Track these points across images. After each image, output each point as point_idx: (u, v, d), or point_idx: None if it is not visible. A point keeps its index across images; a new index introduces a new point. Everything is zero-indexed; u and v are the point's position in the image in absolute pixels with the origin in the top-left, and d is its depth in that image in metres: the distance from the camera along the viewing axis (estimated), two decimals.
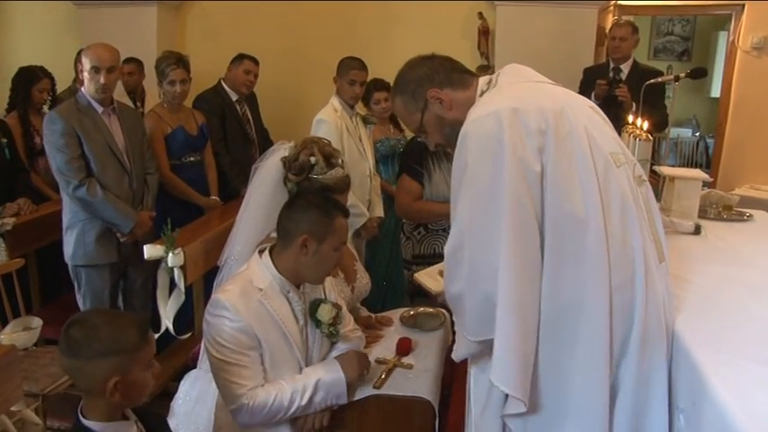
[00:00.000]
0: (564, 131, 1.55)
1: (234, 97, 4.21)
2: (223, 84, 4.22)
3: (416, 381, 2.10)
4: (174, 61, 3.62)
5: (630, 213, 1.57)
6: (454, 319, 1.73)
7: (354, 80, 3.61)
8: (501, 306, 1.51)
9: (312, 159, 2.21)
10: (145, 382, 1.51)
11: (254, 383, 1.91)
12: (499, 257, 1.50)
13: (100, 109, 3.12)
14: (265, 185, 2.26)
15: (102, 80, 3.03)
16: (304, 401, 1.95)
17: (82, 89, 3.14)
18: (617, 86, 4.05)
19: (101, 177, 3.08)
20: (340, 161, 2.30)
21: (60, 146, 2.99)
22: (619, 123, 2.98)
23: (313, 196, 2.05)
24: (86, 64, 3.05)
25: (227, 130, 4.12)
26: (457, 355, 1.74)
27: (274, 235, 2.10)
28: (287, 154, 2.25)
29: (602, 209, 1.53)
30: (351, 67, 3.62)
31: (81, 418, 1.49)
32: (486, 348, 1.61)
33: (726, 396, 1.31)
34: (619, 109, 3.95)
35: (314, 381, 1.97)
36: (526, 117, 1.54)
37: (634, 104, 3.95)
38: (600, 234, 1.52)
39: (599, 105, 3.99)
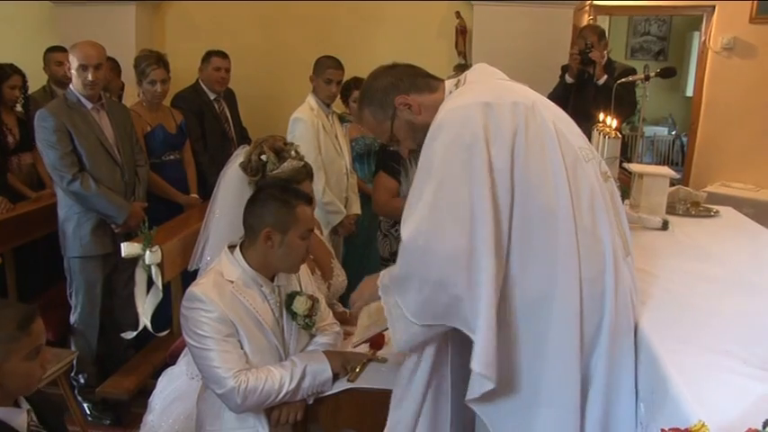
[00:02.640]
0: (535, 126, 1.58)
1: (212, 96, 4.21)
2: (201, 83, 4.22)
3: (390, 374, 2.12)
4: (155, 61, 3.65)
5: (599, 207, 1.61)
6: (391, 300, 1.68)
7: (331, 79, 3.64)
8: (482, 297, 1.52)
9: (263, 158, 2.26)
10: (27, 372, 1.53)
11: (238, 367, 1.94)
12: (457, 246, 1.52)
13: (89, 105, 3.19)
14: (230, 194, 2.33)
15: (90, 77, 3.12)
16: (293, 386, 1.99)
17: (71, 86, 3.21)
18: (588, 51, 4.10)
19: (93, 171, 3.16)
20: (293, 153, 2.33)
21: (53, 142, 3.07)
22: (588, 111, 3.03)
23: (272, 189, 2.08)
24: (74, 62, 3.12)
25: (206, 129, 4.13)
26: (398, 344, 1.70)
27: None
28: (243, 159, 2.29)
29: (571, 202, 1.56)
30: (327, 66, 3.65)
31: None
32: (428, 335, 1.63)
33: (680, 384, 1.36)
34: (594, 94, 4.00)
35: (302, 367, 2.02)
36: (499, 111, 1.56)
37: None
38: (570, 227, 1.55)
39: (574, 85, 4.10)
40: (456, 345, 1.74)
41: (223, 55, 4.21)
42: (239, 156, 2.36)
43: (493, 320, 1.53)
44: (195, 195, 3.88)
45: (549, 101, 1.73)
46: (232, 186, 2.34)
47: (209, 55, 4.20)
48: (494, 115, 1.56)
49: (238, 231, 2.17)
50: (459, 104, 1.60)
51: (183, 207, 3.82)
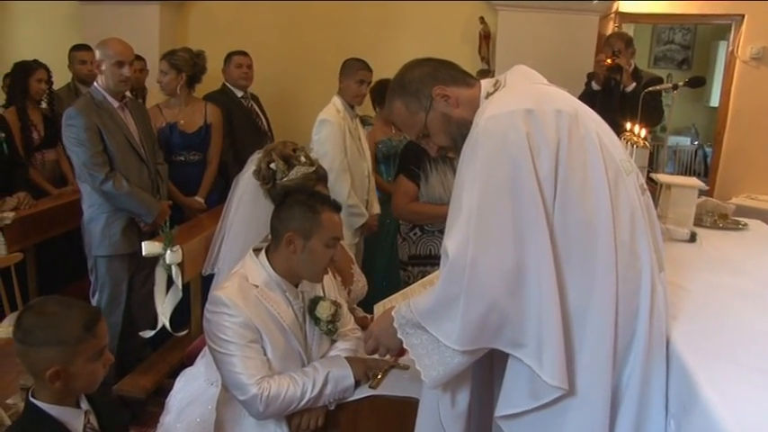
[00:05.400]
0: (579, 136, 1.53)
1: (239, 94, 4.25)
2: (226, 84, 4.28)
3: (412, 382, 2.10)
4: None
5: (639, 223, 1.56)
6: (417, 339, 1.58)
7: (363, 80, 3.65)
8: (546, 309, 1.47)
9: (272, 166, 2.25)
10: (91, 372, 1.55)
11: (261, 374, 1.92)
12: (506, 261, 1.46)
13: (115, 103, 3.21)
14: (244, 202, 2.33)
15: (126, 73, 3.15)
16: (315, 393, 1.97)
17: (96, 84, 3.21)
18: (617, 57, 4.05)
19: (123, 170, 3.17)
20: (302, 158, 2.30)
21: (83, 140, 3.07)
22: (614, 120, 2.99)
23: (300, 194, 2.06)
24: (109, 58, 3.12)
25: (236, 127, 4.16)
26: (434, 380, 1.58)
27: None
28: (255, 167, 2.30)
29: (612, 217, 1.51)
30: (359, 67, 3.65)
31: (30, 397, 1.55)
32: (466, 364, 1.56)
33: (715, 402, 1.32)
34: (620, 102, 3.95)
35: (324, 373, 1.99)
36: (542, 119, 1.51)
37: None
38: (609, 243, 1.50)
39: (600, 92, 4.05)
40: (476, 366, 1.68)
41: (243, 53, 4.29)
42: (253, 163, 2.34)
43: (561, 335, 1.49)
44: (199, 199, 3.84)
45: (591, 110, 1.67)
46: (247, 194, 2.33)
47: (229, 55, 4.28)
48: (537, 123, 1.51)
49: (252, 240, 2.18)
50: (500, 111, 1.53)
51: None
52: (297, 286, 2.07)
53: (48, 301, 1.59)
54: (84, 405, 1.61)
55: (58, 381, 1.50)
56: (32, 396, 1.55)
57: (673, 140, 7.49)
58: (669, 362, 1.58)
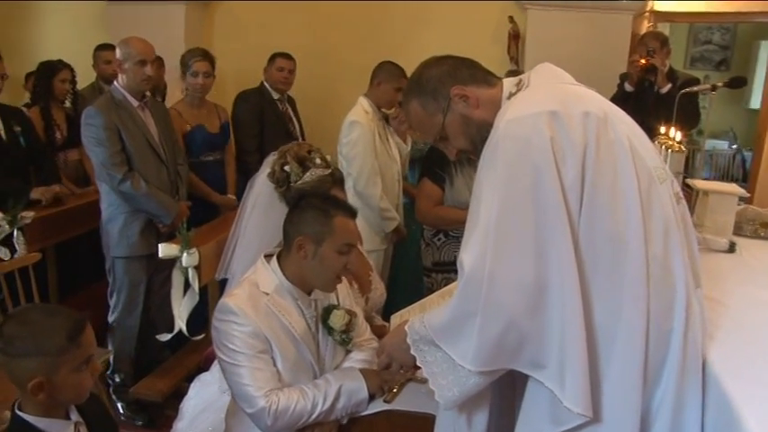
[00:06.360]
0: (607, 141, 1.42)
1: (275, 96, 4.22)
2: (265, 83, 4.25)
3: (430, 396, 1.99)
4: (200, 54, 3.70)
5: (674, 236, 1.44)
6: (431, 357, 1.51)
7: (401, 87, 3.56)
8: (569, 328, 1.37)
9: (286, 168, 2.18)
10: (77, 383, 1.50)
11: (269, 386, 1.85)
12: (526, 277, 1.37)
13: (135, 103, 3.19)
14: (258, 205, 2.26)
15: (149, 72, 3.13)
16: (326, 406, 1.89)
17: (116, 83, 3.19)
18: (651, 56, 3.91)
19: (141, 170, 3.16)
20: (317, 160, 2.22)
21: (102, 139, 3.06)
22: (648, 122, 2.86)
23: (314, 198, 1.98)
24: (131, 57, 3.11)
25: (267, 128, 4.13)
26: (449, 401, 1.51)
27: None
28: (270, 169, 2.24)
29: (643, 228, 1.40)
30: (399, 74, 3.55)
31: (16, 410, 1.50)
32: (484, 384, 1.47)
33: None
34: (654, 103, 3.81)
35: (336, 386, 1.92)
36: (568, 122, 1.40)
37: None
38: (640, 257, 1.40)
39: (633, 94, 3.91)
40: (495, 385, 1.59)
41: (287, 56, 4.26)
42: (268, 165, 2.28)
43: (585, 357, 1.38)
44: (232, 196, 3.85)
45: (622, 112, 1.55)
46: (261, 197, 2.27)
47: (273, 56, 4.26)
48: (562, 126, 1.40)
49: (266, 244, 2.11)
50: (522, 114, 1.43)
51: (219, 207, 3.80)
52: (309, 294, 1.99)
53: (31, 309, 1.55)
54: (75, 416, 1.56)
55: (42, 392, 1.45)
56: (18, 408, 1.51)
57: (709, 144, 7.24)
58: (706, 387, 1.46)
